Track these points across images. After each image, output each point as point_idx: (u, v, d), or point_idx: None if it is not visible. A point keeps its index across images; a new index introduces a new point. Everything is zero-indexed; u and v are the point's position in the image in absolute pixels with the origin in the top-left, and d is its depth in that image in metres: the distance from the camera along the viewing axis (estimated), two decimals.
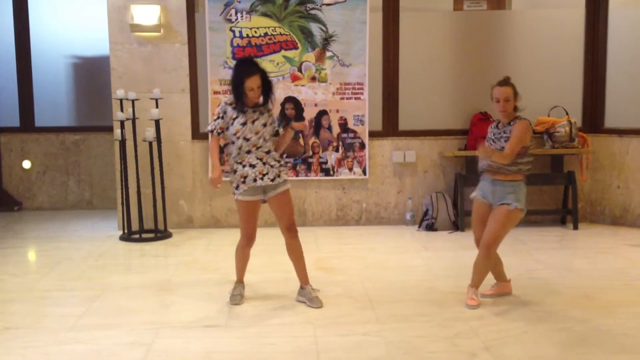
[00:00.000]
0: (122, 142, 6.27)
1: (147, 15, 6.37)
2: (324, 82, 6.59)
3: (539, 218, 6.79)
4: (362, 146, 6.68)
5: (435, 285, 4.79)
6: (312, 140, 6.65)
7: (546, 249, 5.84)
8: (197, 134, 6.59)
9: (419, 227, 6.64)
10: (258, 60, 4.62)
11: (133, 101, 6.19)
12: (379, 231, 6.59)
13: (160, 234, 6.37)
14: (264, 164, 4.27)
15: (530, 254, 5.58)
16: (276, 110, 6.56)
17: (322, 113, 6.63)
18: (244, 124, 4.24)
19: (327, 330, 3.91)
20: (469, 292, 4.35)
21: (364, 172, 6.72)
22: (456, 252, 5.85)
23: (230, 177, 4.36)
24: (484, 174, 4.38)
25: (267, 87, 4.29)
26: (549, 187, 6.79)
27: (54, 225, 7.01)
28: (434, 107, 6.85)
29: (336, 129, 6.66)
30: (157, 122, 6.23)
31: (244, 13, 6.47)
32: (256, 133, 4.26)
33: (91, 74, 7.89)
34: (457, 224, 6.57)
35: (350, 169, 6.71)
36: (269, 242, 5.42)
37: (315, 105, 6.62)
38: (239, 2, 6.45)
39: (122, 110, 6.24)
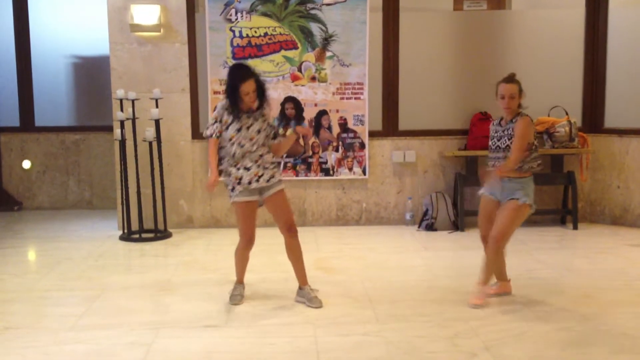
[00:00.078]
0: (122, 142, 6.27)
1: (147, 15, 6.37)
2: (323, 82, 6.59)
3: (538, 218, 6.79)
4: (362, 146, 6.68)
5: (435, 285, 4.79)
6: (312, 140, 6.65)
7: (546, 249, 5.84)
8: (197, 134, 6.59)
9: (419, 227, 6.64)
10: (251, 64, 4.62)
11: (133, 101, 6.19)
12: (379, 231, 6.59)
13: (160, 233, 6.37)
14: (258, 166, 4.29)
15: (530, 253, 5.58)
16: (276, 110, 6.57)
17: (322, 113, 6.63)
18: (238, 130, 4.25)
19: (327, 330, 3.91)
20: (476, 290, 4.34)
21: (364, 172, 6.72)
22: (456, 252, 5.86)
23: (224, 180, 4.36)
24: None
25: (260, 92, 4.29)
26: (549, 187, 6.79)
27: (53, 225, 7.01)
28: (434, 107, 6.85)
29: (336, 129, 6.66)
30: (157, 122, 6.23)
31: (244, 13, 6.47)
32: (250, 139, 4.27)
33: (91, 74, 7.89)
34: (457, 224, 6.57)
35: (350, 169, 6.71)
36: (269, 242, 5.41)
37: (315, 105, 6.62)
38: (239, 1, 6.46)
39: (122, 110, 6.24)
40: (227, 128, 4.26)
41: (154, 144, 6.28)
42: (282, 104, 6.59)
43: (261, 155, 4.31)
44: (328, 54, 6.56)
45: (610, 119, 6.78)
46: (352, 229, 6.68)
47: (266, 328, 3.98)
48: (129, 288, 4.78)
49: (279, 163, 6.55)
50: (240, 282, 4.51)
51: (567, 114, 6.64)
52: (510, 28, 6.86)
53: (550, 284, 4.77)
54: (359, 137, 6.67)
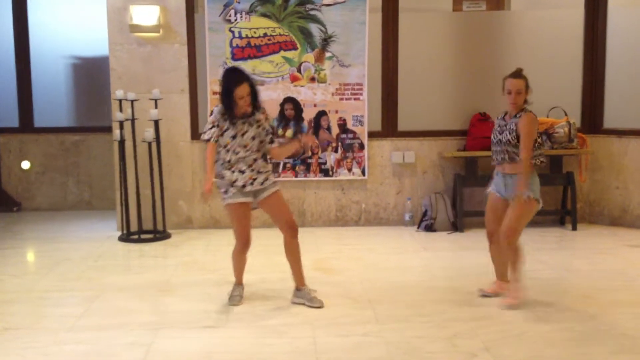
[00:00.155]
0: (122, 143, 6.27)
1: (146, 15, 6.37)
2: (323, 83, 6.59)
3: (538, 218, 6.74)
4: (361, 147, 6.68)
5: (434, 286, 4.79)
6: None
7: (545, 249, 5.84)
8: (197, 135, 6.58)
9: (418, 227, 6.64)
10: (245, 68, 4.63)
11: (132, 102, 6.19)
12: (378, 232, 6.59)
13: (160, 234, 6.37)
14: (252, 170, 4.30)
15: (529, 254, 5.56)
16: (275, 111, 6.57)
17: (322, 114, 6.63)
18: (233, 137, 4.27)
19: (326, 331, 3.91)
20: (507, 289, 4.34)
21: (363, 173, 6.72)
22: (455, 252, 5.86)
23: (218, 183, 4.36)
24: (496, 168, 4.39)
25: (254, 96, 4.29)
26: (548, 187, 6.78)
27: (53, 226, 7.01)
28: (433, 107, 6.85)
29: (335, 130, 6.66)
30: (156, 123, 6.23)
31: (244, 13, 6.48)
32: (244, 147, 4.28)
33: (90, 75, 7.89)
34: (456, 225, 6.57)
35: (350, 170, 6.71)
36: (268, 242, 5.42)
37: (315, 105, 6.62)
38: (239, 2, 6.46)
39: (121, 110, 6.24)
40: (222, 134, 4.28)
41: (153, 145, 6.27)
42: (282, 105, 6.59)
43: (255, 160, 4.32)
44: (327, 54, 6.56)
45: (609, 120, 6.78)
46: (351, 230, 6.68)
47: (265, 329, 3.98)
48: (128, 289, 4.78)
49: (277, 164, 6.57)
50: (239, 283, 4.51)
51: (566, 114, 6.65)
52: (509, 28, 6.87)
53: (550, 284, 4.77)
54: (358, 138, 6.67)
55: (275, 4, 6.48)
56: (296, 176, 6.67)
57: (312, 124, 6.63)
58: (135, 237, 6.32)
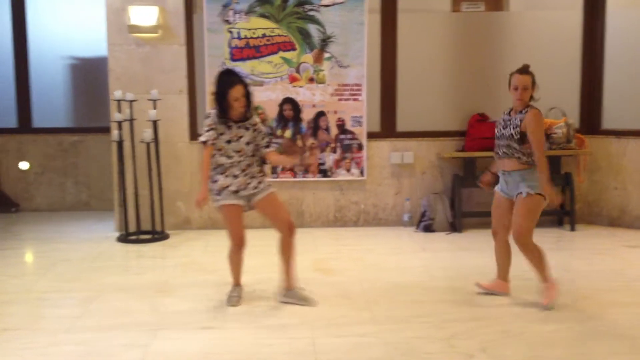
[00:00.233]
0: (120, 143, 6.26)
1: (145, 16, 6.36)
2: (322, 83, 6.59)
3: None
4: (360, 147, 6.68)
5: (433, 286, 4.79)
6: (310, 141, 6.65)
7: (544, 250, 5.83)
8: (195, 135, 6.58)
9: (417, 228, 6.64)
10: (237, 70, 4.63)
11: (131, 102, 6.18)
12: (377, 232, 6.59)
13: (158, 235, 6.37)
14: (246, 175, 4.32)
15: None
16: (274, 111, 6.57)
17: (320, 114, 6.63)
18: (229, 141, 4.27)
19: (324, 332, 3.91)
20: (542, 290, 4.34)
21: (362, 173, 6.72)
22: (454, 253, 5.86)
23: (210, 186, 4.37)
24: (498, 165, 4.39)
25: (249, 98, 4.29)
26: None
27: (51, 226, 7.00)
28: (432, 108, 6.86)
29: (334, 130, 6.66)
30: (154, 123, 6.23)
31: (242, 14, 6.47)
32: (238, 152, 4.29)
33: (89, 75, 7.88)
34: (455, 225, 6.57)
35: (348, 170, 6.71)
36: (265, 243, 5.40)
37: (313, 106, 6.62)
38: (237, 3, 6.46)
39: (119, 111, 6.24)
40: (218, 137, 4.28)
41: (152, 145, 6.27)
42: (280, 105, 6.59)
43: (249, 165, 4.34)
44: (326, 55, 6.56)
45: (608, 121, 6.79)
46: (350, 230, 6.68)
47: (264, 329, 3.97)
48: (126, 289, 4.78)
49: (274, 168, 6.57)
50: (237, 284, 4.51)
51: (564, 115, 6.65)
52: (508, 29, 6.87)
53: None
54: (357, 139, 6.67)
55: (274, 4, 6.48)
56: (295, 177, 6.67)
57: (311, 125, 6.63)
58: (134, 237, 6.31)
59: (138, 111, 6.28)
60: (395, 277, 5.05)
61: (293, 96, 6.60)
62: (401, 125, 6.81)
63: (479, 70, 6.81)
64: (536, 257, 4.30)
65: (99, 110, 7.55)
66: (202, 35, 6.51)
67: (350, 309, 4.31)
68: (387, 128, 6.80)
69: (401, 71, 6.76)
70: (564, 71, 6.81)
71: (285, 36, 6.52)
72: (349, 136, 6.67)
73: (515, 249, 4.41)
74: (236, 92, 4.21)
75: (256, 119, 4.43)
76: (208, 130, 4.30)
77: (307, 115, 6.62)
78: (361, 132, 6.67)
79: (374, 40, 6.67)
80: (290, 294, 4.44)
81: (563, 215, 6.77)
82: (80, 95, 8.03)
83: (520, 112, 4.27)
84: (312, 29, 6.53)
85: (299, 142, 6.62)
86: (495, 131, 4.42)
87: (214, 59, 6.47)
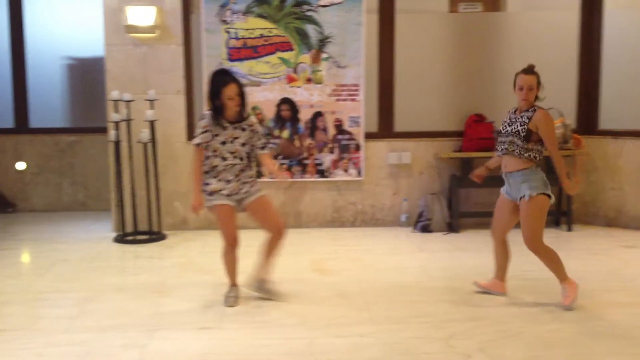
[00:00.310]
0: (117, 144, 6.26)
1: (142, 16, 6.35)
2: (319, 84, 6.59)
3: None
4: (358, 148, 6.68)
5: (430, 287, 4.80)
6: (308, 141, 6.65)
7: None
8: (192, 136, 6.54)
9: (414, 228, 6.65)
10: (231, 70, 4.63)
11: (128, 102, 6.17)
12: (374, 232, 6.59)
13: (155, 235, 6.36)
14: (238, 180, 4.33)
15: (524, 255, 5.55)
16: (271, 112, 6.57)
17: (318, 114, 6.63)
18: (223, 143, 4.27)
19: (322, 332, 3.91)
20: (562, 290, 4.34)
21: (359, 174, 6.72)
22: (451, 253, 5.87)
23: (203, 187, 4.38)
24: (501, 166, 4.39)
25: (243, 98, 4.29)
26: None
27: (48, 226, 6.99)
28: (429, 108, 6.86)
29: (332, 131, 6.66)
30: (152, 124, 6.22)
31: (240, 14, 6.47)
32: (233, 152, 4.28)
33: (86, 75, 7.87)
34: (452, 226, 6.58)
35: (346, 171, 6.71)
36: (262, 243, 5.41)
37: (311, 106, 6.62)
38: (235, 3, 6.45)
39: (117, 111, 6.23)
40: (213, 139, 4.28)
41: (149, 146, 6.26)
42: (278, 106, 6.59)
43: (242, 170, 4.34)
44: (324, 55, 6.56)
45: (605, 121, 6.80)
46: (347, 231, 6.68)
47: (261, 330, 3.97)
48: (124, 290, 4.77)
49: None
50: (233, 284, 4.49)
51: (562, 115, 6.66)
52: (505, 30, 6.88)
53: (546, 285, 4.77)
54: (354, 139, 6.67)
55: (272, 4, 6.48)
56: (292, 177, 6.67)
57: (309, 125, 6.63)
58: (131, 238, 6.30)
59: (135, 111, 6.27)
60: (393, 277, 5.05)
61: (291, 96, 6.60)
62: (399, 126, 6.81)
63: (476, 71, 6.82)
64: (550, 258, 4.31)
65: (96, 110, 7.54)
66: (199, 36, 6.51)
67: (348, 309, 4.31)
68: (385, 128, 6.80)
69: (399, 71, 6.76)
70: (562, 72, 6.82)
71: (283, 36, 6.52)
72: (346, 136, 6.67)
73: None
74: (230, 91, 4.20)
75: (253, 119, 4.43)
76: (202, 132, 4.31)
77: (305, 115, 6.62)
78: (359, 132, 6.67)
79: (371, 40, 6.67)
80: (260, 285, 4.46)
81: (560, 216, 6.78)
82: (77, 96, 8.01)
83: (527, 110, 4.26)
84: (310, 29, 6.53)
85: (297, 143, 6.63)
86: (500, 128, 4.40)
87: (212, 59, 6.46)
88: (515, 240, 5.57)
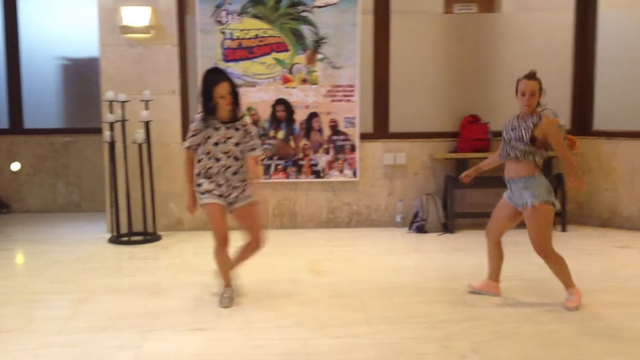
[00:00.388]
0: (112, 144, 6.24)
1: (137, 16, 6.34)
2: (314, 84, 6.59)
3: None
4: (353, 148, 6.68)
5: (426, 287, 4.80)
6: (303, 142, 6.65)
7: (534, 250, 5.85)
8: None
9: (409, 229, 6.65)
10: (224, 69, 4.63)
11: (123, 103, 6.16)
12: (370, 233, 6.59)
13: (150, 236, 6.35)
14: (229, 186, 4.34)
15: (519, 255, 5.59)
16: (266, 112, 6.57)
17: (313, 115, 6.63)
18: (216, 144, 4.27)
19: (317, 333, 3.91)
20: (566, 294, 4.34)
21: (355, 174, 6.72)
22: (446, 253, 5.87)
23: (195, 188, 4.39)
24: (505, 171, 4.38)
25: (236, 97, 4.28)
26: None
27: (43, 227, 6.97)
28: (424, 109, 6.87)
29: (327, 131, 6.66)
30: (147, 124, 6.21)
31: (235, 15, 6.47)
32: (226, 152, 4.28)
33: (81, 76, 7.85)
34: (447, 226, 6.59)
35: (341, 171, 6.71)
36: None
37: (306, 107, 6.62)
38: (230, 3, 6.45)
39: (111, 112, 6.21)
40: (205, 142, 4.28)
41: (144, 146, 6.25)
42: (273, 106, 6.59)
43: (235, 173, 4.34)
44: (319, 56, 6.56)
45: (599, 122, 6.82)
46: (342, 231, 6.68)
47: (256, 330, 3.97)
48: (118, 291, 4.76)
49: (268, 166, 6.56)
50: (228, 284, 4.48)
51: (556, 116, 6.66)
52: (500, 31, 6.90)
53: (540, 285, 4.79)
54: (349, 140, 6.68)
55: (267, 5, 6.48)
56: (288, 177, 6.67)
57: (304, 126, 6.63)
58: (126, 239, 6.29)
59: (130, 112, 6.26)
60: (388, 277, 5.05)
61: (286, 97, 6.59)
62: (394, 127, 6.82)
63: (471, 72, 6.83)
64: (559, 265, 4.31)
65: (91, 111, 7.52)
66: (194, 36, 6.50)
67: (343, 310, 4.31)
68: (380, 129, 6.81)
69: (394, 72, 6.77)
70: (556, 72, 6.83)
71: (278, 37, 6.52)
72: (341, 137, 6.67)
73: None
74: (221, 89, 4.19)
75: (247, 119, 4.41)
76: (192, 136, 4.33)
77: (300, 116, 6.62)
78: (354, 133, 6.67)
79: (366, 41, 6.68)
80: (227, 290, 4.47)
81: (554, 216, 6.77)
82: (72, 96, 8.00)
83: (531, 116, 4.26)
84: (305, 30, 6.53)
85: (292, 144, 6.63)
86: (503, 134, 4.36)
87: (207, 59, 6.45)
88: (513, 241, 5.63)
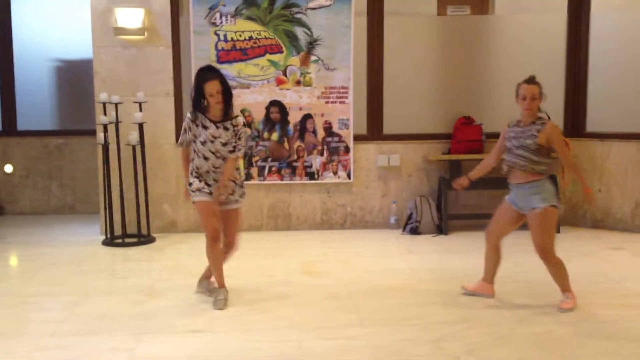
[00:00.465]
0: (105, 146, 6.23)
1: (131, 18, 6.33)
2: (308, 86, 6.59)
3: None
4: (347, 150, 6.69)
5: (420, 289, 4.81)
6: (297, 144, 6.65)
7: (529, 252, 5.80)
8: None
9: (403, 230, 6.66)
10: (217, 67, 4.62)
11: (117, 105, 6.15)
12: (364, 235, 6.60)
13: (144, 238, 6.33)
14: (218, 187, 4.35)
15: (513, 257, 5.60)
16: (260, 114, 6.57)
17: (307, 117, 6.63)
18: (203, 143, 4.28)
19: (311, 335, 3.91)
20: (562, 296, 4.35)
21: (349, 176, 6.73)
22: (440, 255, 5.88)
23: (187, 185, 4.44)
24: (508, 178, 4.37)
25: (227, 94, 4.27)
26: None
27: (36, 230, 6.94)
28: (418, 111, 6.88)
29: (321, 133, 6.66)
30: (140, 126, 6.20)
31: (229, 17, 6.46)
32: (214, 152, 4.28)
33: (74, 78, 7.82)
34: (441, 228, 6.59)
35: (335, 173, 6.72)
36: (253, 246, 5.42)
37: (300, 109, 6.62)
38: (224, 5, 6.44)
39: (105, 113, 6.20)
40: (195, 141, 4.29)
41: (138, 148, 6.24)
42: (267, 108, 6.58)
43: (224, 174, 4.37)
44: (313, 58, 6.56)
45: (592, 124, 6.84)
46: (336, 233, 6.68)
47: (250, 332, 3.96)
48: (112, 293, 4.75)
49: (263, 168, 6.57)
50: (222, 286, 4.48)
51: (549, 118, 6.68)
52: (493, 33, 6.91)
53: (534, 287, 4.80)
54: (343, 141, 6.68)
55: (261, 7, 6.48)
56: (282, 179, 6.67)
57: (298, 127, 6.63)
58: (119, 241, 6.27)
59: (124, 114, 6.24)
60: (382, 279, 5.06)
61: (280, 99, 6.59)
62: (388, 128, 6.83)
63: (464, 74, 6.84)
64: (559, 269, 4.32)
65: (85, 112, 7.47)
66: (188, 38, 6.49)
67: (337, 312, 4.31)
68: (374, 131, 6.81)
69: (388, 74, 6.77)
70: (549, 74, 6.81)
71: (272, 39, 6.52)
72: (335, 139, 6.67)
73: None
74: (211, 87, 4.18)
75: (240, 120, 4.40)
76: (184, 132, 4.39)
77: (294, 117, 6.62)
78: (348, 134, 6.68)
79: (360, 43, 6.68)
80: (207, 286, 4.57)
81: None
82: (65, 98, 7.97)
83: (534, 123, 4.26)
84: (299, 31, 6.53)
85: (286, 145, 6.63)
86: (506, 144, 4.35)
87: (201, 61, 6.42)
88: (506, 243, 5.64)
